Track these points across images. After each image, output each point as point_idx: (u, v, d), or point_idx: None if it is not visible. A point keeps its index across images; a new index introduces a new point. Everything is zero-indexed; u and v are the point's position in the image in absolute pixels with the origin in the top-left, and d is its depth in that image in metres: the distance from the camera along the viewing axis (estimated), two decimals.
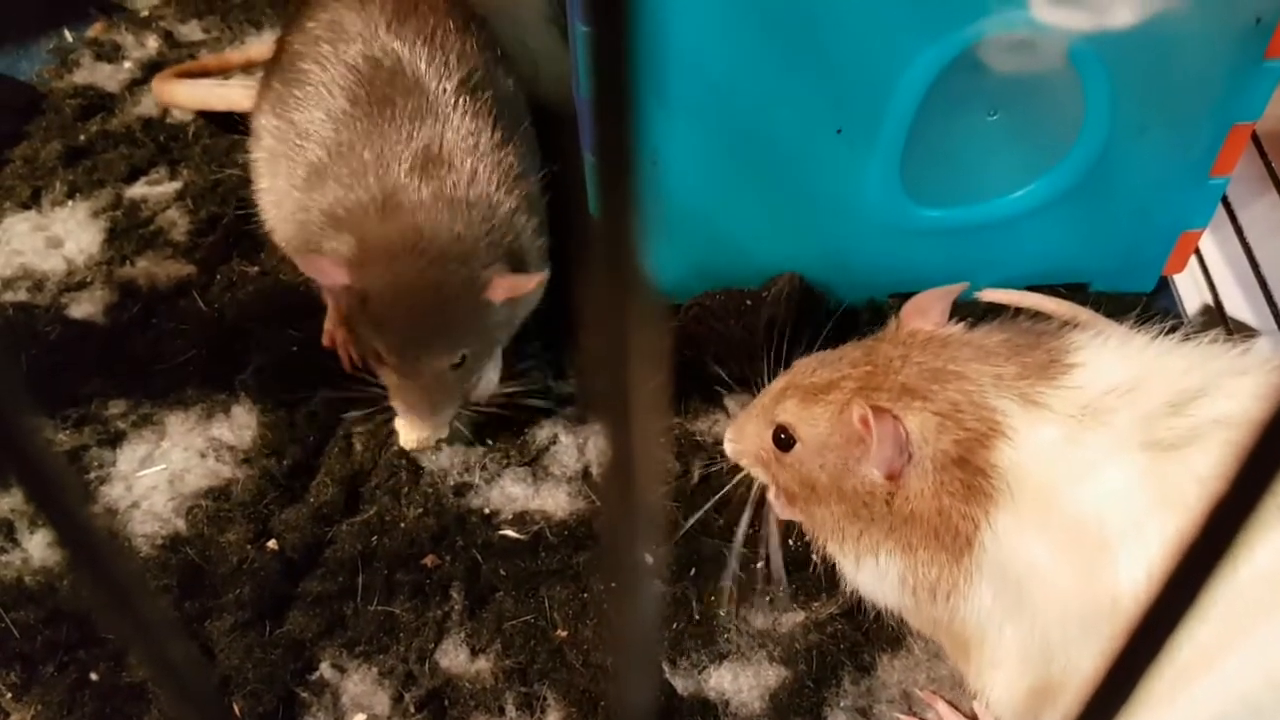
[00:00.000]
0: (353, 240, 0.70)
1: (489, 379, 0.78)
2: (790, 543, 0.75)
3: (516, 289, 0.71)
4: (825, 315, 0.83)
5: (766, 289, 0.82)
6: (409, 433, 0.73)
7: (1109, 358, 0.57)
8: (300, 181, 0.75)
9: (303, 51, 0.77)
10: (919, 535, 0.58)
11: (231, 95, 0.95)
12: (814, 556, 0.74)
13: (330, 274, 0.69)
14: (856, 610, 0.71)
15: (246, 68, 1.01)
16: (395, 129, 0.73)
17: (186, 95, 0.97)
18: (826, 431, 0.61)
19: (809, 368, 0.64)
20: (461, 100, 0.74)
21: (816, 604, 0.72)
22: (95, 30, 1.09)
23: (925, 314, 0.61)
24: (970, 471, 0.56)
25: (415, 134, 0.73)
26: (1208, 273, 0.88)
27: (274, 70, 0.81)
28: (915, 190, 0.78)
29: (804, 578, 0.73)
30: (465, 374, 0.73)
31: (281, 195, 0.78)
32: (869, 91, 0.72)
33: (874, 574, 0.61)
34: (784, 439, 0.63)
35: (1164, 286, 0.89)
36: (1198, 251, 0.88)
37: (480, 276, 0.70)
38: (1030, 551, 0.55)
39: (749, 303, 0.82)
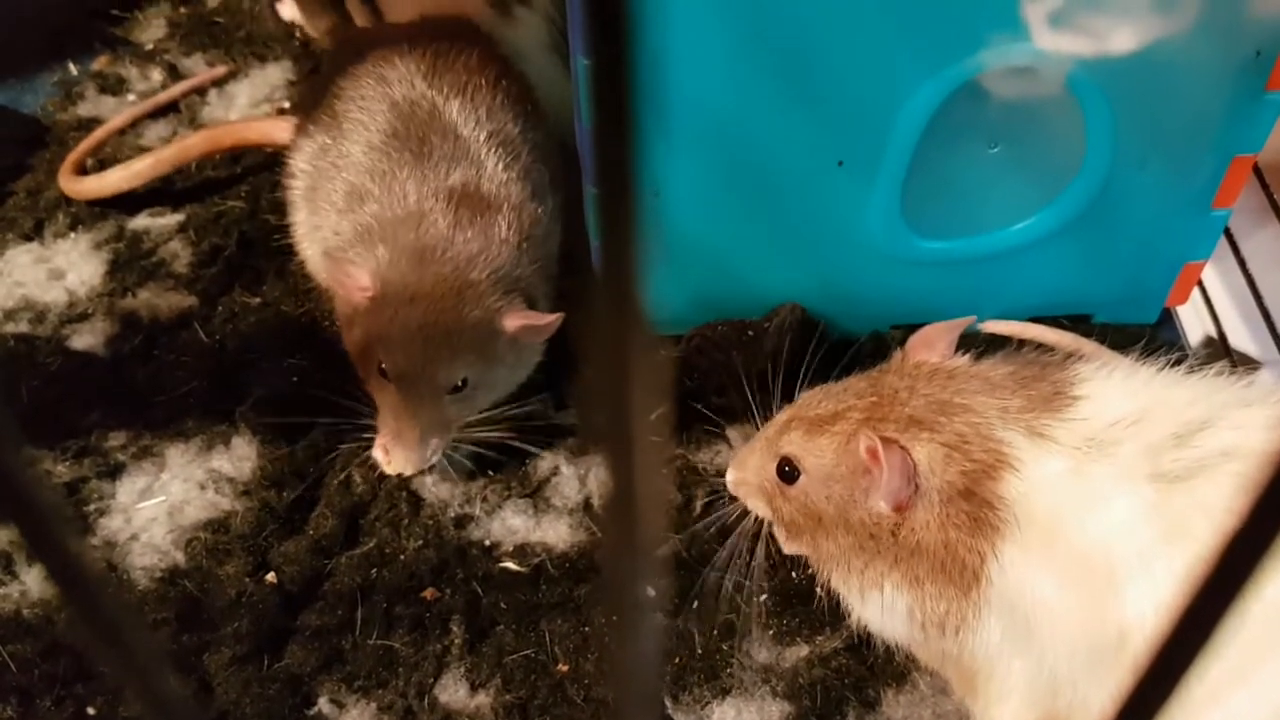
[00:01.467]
0: (380, 250, 0.72)
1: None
2: (794, 575, 0.75)
3: (530, 323, 0.72)
4: (827, 346, 0.83)
5: (768, 320, 0.82)
6: (391, 459, 0.73)
7: (1114, 390, 0.57)
8: (340, 203, 0.78)
9: (345, 96, 0.80)
10: (926, 568, 0.57)
11: (137, 168, 0.94)
12: (818, 590, 0.73)
13: (356, 278, 0.71)
14: (862, 645, 0.70)
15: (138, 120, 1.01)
16: (430, 163, 0.76)
17: (95, 187, 0.95)
18: (832, 463, 0.60)
19: (814, 399, 0.64)
20: (492, 151, 0.77)
21: (821, 638, 0.72)
22: (99, 64, 1.10)
23: (931, 346, 0.61)
24: (977, 504, 0.55)
25: (449, 171, 0.76)
26: (1210, 304, 0.88)
27: (313, 115, 0.83)
28: (917, 222, 0.78)
29: (808, 611, 0.72)
30: (461, 406, 0.73)
31: (318, 222, 0.80)
32: (871, 124, 0.72)
33: (880, 607, 0.61)
34: (788, 471, 0.63)
35: (1167, 318, 0.88)
36: (1200, 283, 0.88)
37: (495, 303, 0.72)
38: (1038, 585, 0.54)
39: (751, 333, 0.82)
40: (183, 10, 1.14)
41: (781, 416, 0.66)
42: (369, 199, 0.76)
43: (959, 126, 0.73)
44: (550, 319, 0.73)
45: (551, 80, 0.88)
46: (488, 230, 0.73)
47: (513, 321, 0.72)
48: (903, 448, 0.56)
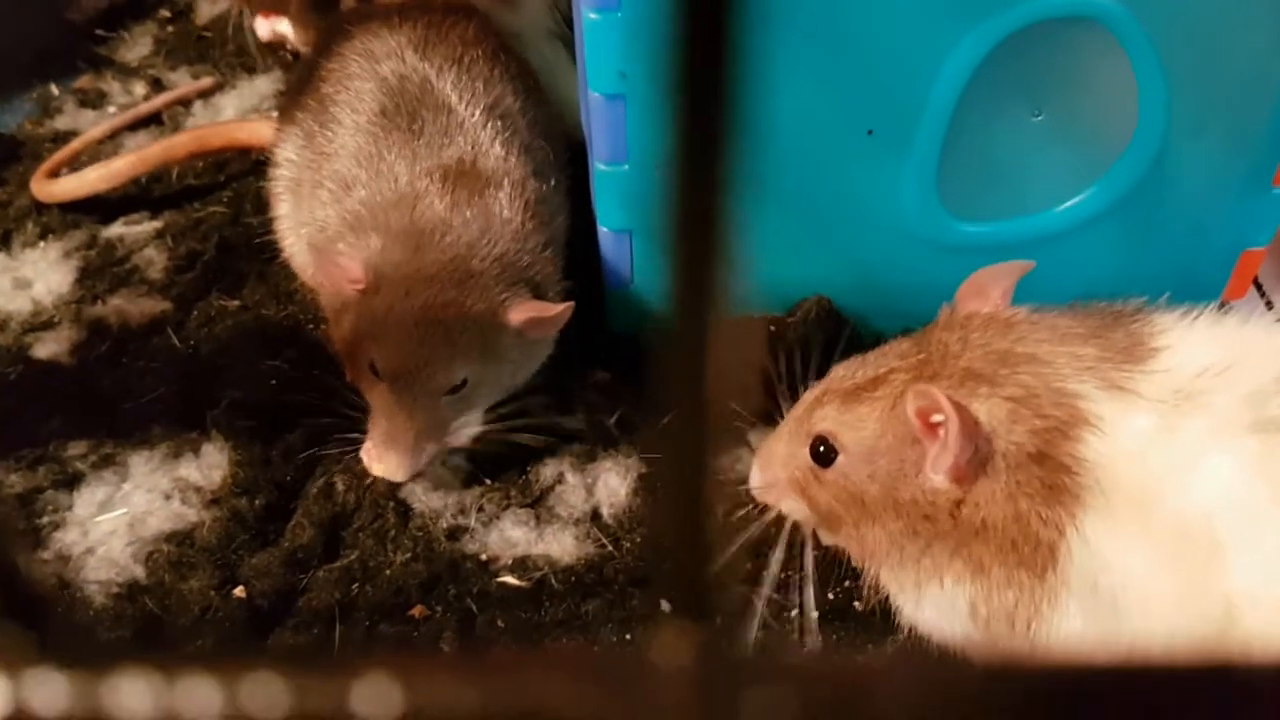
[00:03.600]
0: (372, 238, 0.66)
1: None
2: (830, 595, 0.67)
3: (538, 316, 0.65)
4: (856, 343, 0.76)
5: (793, 314, 0.75)
6: (379, 464, 0.65)
7: (1199, 338, 0.50)
8: (325, 195, 0.71)
9: (331, 78, 0.75)
10: (992, 550, 0.49)
11: (117, 166, 0.89)
12: (856, 604, 0.65)
13: (346, 270, 0.64)
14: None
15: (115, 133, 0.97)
16: (423, 141, 0.70)
17: (72, 187, 0.89)
18: (876, 433, 0.53)
19: (848, 369, 0.57)
20: (490, 125, 0.71)
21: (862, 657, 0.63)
22: (82, 83, 1.05)
23: (984, 294, 0.54)
24: (1051, 468, 0.48)
25: (443, 149, 0.70)
26: (1265, 296, 0.81)
27: (298, 102, 0.78)
28: (954, 202, 0.72)
29: (848, 626, 0.64)
30: (459, 407, 0.66)
31: (303, 215, 0.74)
32: (903, 86, 0.66)
33: (939, 604, 0.53)
34: (823, 451, 0.55)
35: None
36: (1256, 280, 0.81)
37: (499, 295, 0.65)
38: (1127, 559, 0.46)
39: (774, 329, 0.75)
40: (170, 29, 1.09)
41: (810, 395, 0.59)
42: (357, 185, 0.69)
43: (999, 91, 0.67)
44: (560, 309, 0.66)
45: (554, 68, 0.82)
46: (488, 211, 0.67)
47: (519, 314, 0.65)
48: (958, 405, 0.49)
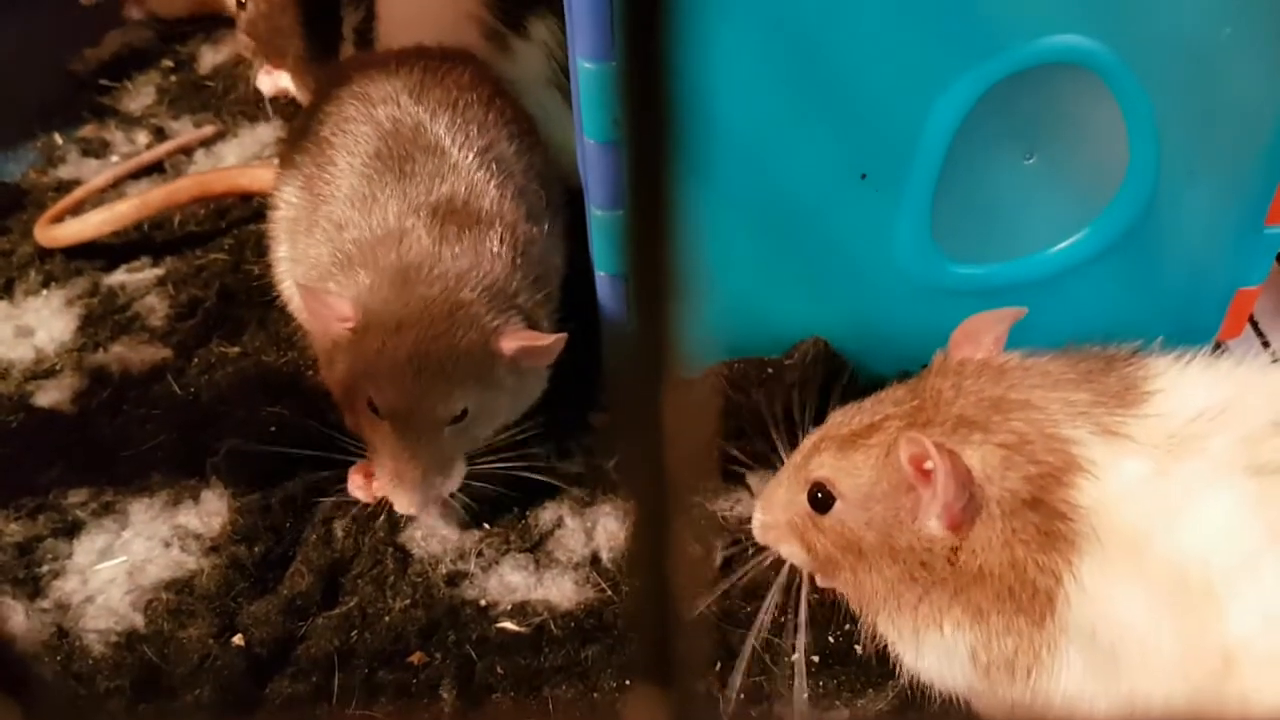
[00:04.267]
0: (361, 276, 0.67)
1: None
2: (830, 638, 0.66)
3: (530, 344, 0.66)
4: (853, 387, 0.76)
5: (789, 356, 0.75)
6: (393, 498, 0.66)
7: (1193, 382, 0.50)
8: (320, 235, 0.72)
9: (329, 122, 0.76)
10: (990, 597, 0.49)
11: (120, 210, 0.90)
12: (858, 648, 0.65)
13: (335, 308, 0.65)
14: (911, 706, 0.61)
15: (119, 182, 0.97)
16: (415, 181, 0.71)
17: (75, 230, 0.90)
18: (871, 480, 0.53)
19: (846, 415, 0.57)
20: (483, 167, 0.72)
21: (863, 701, 0.63)
22: (85, 132, 1.06)
23: (977, 340, 0.54)
24: (1046, 514, 0.48)
25: (435, 189, 0.70)
26: (1262, 335, 0.81)
27: (298, 145, 0.79)
28: (949, 244, 0.72)
29: (848, 670, 0.64)
30: (462, 439, 0.67)
31: (298, 255, 0.75)
32: (896, 129, 0.67)
33: (938, 652, 0.52)
34: (821, 498, 0.56)
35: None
36: (1252, 318, 0.82)
37: (490, 323, 0.66)
38: (1124, 606, 0.46)
39: (770, 370, 0.75)
40: (173, 79, 1.11)
41: (809, 440, 0.59)
42: (350, 225, 0.70)
43: (991, 135, 0.67)
44: (551, 339, 0.66)
45: (551, 115, 0.83)
46: (478, 245, 0.68)
47: (510, 343, 0.66)
48: (951, 452, 0.49)
